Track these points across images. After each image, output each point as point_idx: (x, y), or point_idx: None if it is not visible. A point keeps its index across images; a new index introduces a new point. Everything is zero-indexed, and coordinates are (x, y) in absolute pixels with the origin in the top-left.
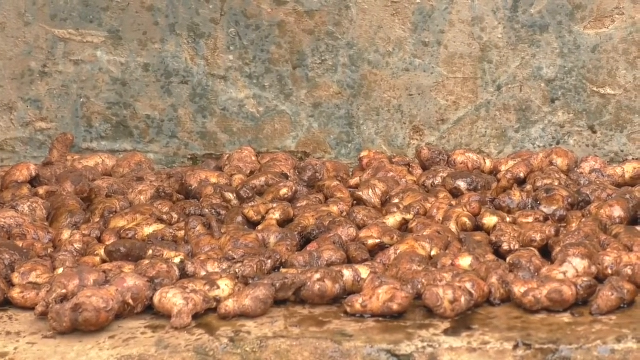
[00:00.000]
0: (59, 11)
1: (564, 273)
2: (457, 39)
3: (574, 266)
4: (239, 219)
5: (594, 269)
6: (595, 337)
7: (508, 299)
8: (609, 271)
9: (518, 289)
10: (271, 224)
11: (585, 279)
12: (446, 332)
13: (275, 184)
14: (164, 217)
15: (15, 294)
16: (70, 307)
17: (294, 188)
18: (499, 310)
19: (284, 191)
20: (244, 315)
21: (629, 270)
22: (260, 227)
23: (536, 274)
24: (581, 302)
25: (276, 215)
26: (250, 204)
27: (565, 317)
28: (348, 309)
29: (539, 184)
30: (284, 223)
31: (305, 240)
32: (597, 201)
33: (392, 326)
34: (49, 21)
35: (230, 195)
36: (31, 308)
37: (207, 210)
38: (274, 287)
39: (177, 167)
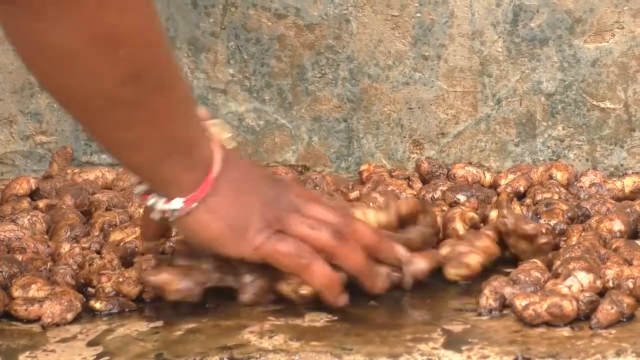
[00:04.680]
0: None
1: (569, 287)
2: (457, 53)
3: (579, 280)
4: None
5: (599, 282)
6: (595, 351)
7: (499, 311)
8: (611, 284)
9: (519, 302)
10: None
11: (587, 294)
12: (445, 346)
13: None
14: None
15: (17, 306)
16: None
17: None
18: (497, 323)
19: None
20: None
21: (630, 284)
22: None
23: (537, 287)
24: (583, 317)
25: None
26: None
27: (565, 331)
28: None
29: (538, 197)
30: None
31: None
32: (596, 215)
33: (392, 340)
34: None
35: None
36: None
37: None
38: None
39: None
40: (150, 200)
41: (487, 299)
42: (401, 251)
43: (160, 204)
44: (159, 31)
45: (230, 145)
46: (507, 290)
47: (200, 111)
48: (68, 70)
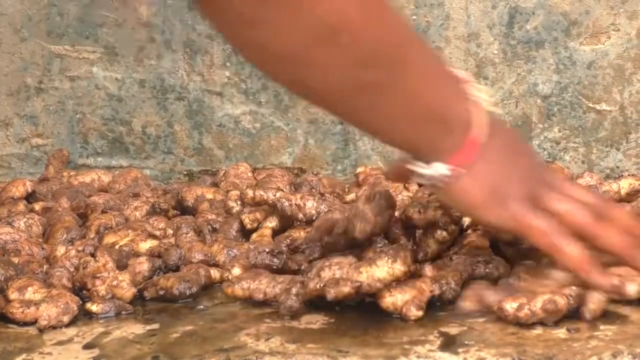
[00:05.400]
0: (54, 27)
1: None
2: (453, 55)
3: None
4: (236, 225)
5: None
6: (591, 353)
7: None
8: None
9: (510, 305)
10: (265, 234)
11: (573, 287)
12: (442, 348)
13: None
14: (157, 232)
15: (14, 309)
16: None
17: None
18: (494, 325)
19: None
20: None
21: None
22: (254, 236)
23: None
24: (571, 314)
25: (272, 224)
26: (247, 211)
27: (561, 333)
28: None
29: None
30: (279, 232)
31: (292, 251)
32: None
33: (388, 342)
34: (45, 37)
35: (232, 204)
36: (31, 323)
37: (200, 220)
38: None
39: (174, 183)
40: (411, 165)
41: (467, 302)
42: None
43: (423, 170)
44: (377, 10)
45: (494, 110)
46: (491, 297)
47: (458, 73)
48: (299, 69)
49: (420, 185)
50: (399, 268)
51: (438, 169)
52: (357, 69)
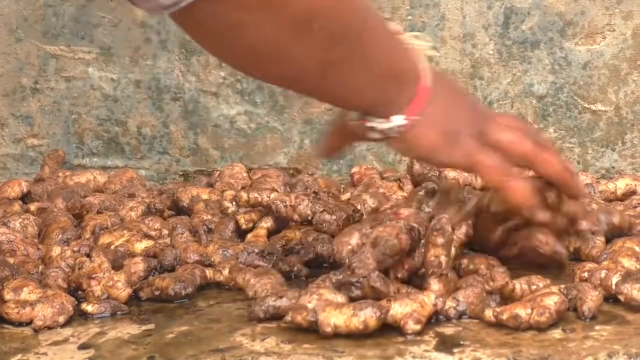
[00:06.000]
0: (50, 27)
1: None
2: (449, 55)
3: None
4: (231, 226)
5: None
6: (587, 353)
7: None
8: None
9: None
10: (260, 234)
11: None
12: (437, 348)
13: None
14: (152, 233)
15: (10, 309)
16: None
17: None
18: (489, 326)
19: None
20: None
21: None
22: (249, 236)
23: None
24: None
25: (267, 224)
26: (242, 212)
27: (557, 333)
28: None
29: None
30: (274, 232)
31: (287, 252)
32: None
33: (383, 342)
34: (41, 38)
35: (227, 204)
36: (27, 323)
37: (195, 220)
38: None
39: (169, 184)
40: (370, 123)
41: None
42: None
43: (382, 125)
44: None
45: (433, 54)
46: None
47: (393, 27)
48: (279, 62)
49: (415, 185)
50: (358, 320)
51: (396, 121)
52: (327, 50)
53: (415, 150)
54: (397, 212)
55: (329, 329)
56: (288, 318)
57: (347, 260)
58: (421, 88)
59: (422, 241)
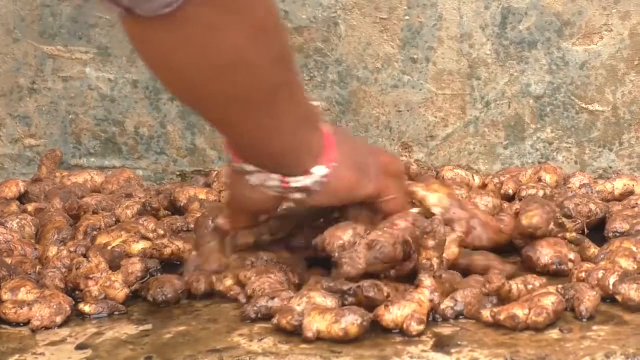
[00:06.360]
0: (47, 28)
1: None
2: (446, 56)
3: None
4: None
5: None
6: (584, 353)
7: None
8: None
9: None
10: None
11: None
12: (435, 348)
13: None
14: (150, 234)
15: (7, 309)
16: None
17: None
18: (487, 326)
19: None
20: None
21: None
22: None
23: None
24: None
25: None
26: None
27: (554, 333)
28: None
29: (523, 193)
30: None
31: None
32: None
33: (381, 342)
34: (38, 38)
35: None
36: (24, 323)
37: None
38: None
39: (166, 184)
40: (293, 183)
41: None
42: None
43: (305, 180)
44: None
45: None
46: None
47: None
48: (234, 69)
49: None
50: (338, 327)
51: (318, 171)
52: (275, 66)
53: (338, 195)
54: (394, 222)
55: (310, 334)
56: (274, 320)
57: (335, 254)
58: (325, 134)
59: (413, 255)
